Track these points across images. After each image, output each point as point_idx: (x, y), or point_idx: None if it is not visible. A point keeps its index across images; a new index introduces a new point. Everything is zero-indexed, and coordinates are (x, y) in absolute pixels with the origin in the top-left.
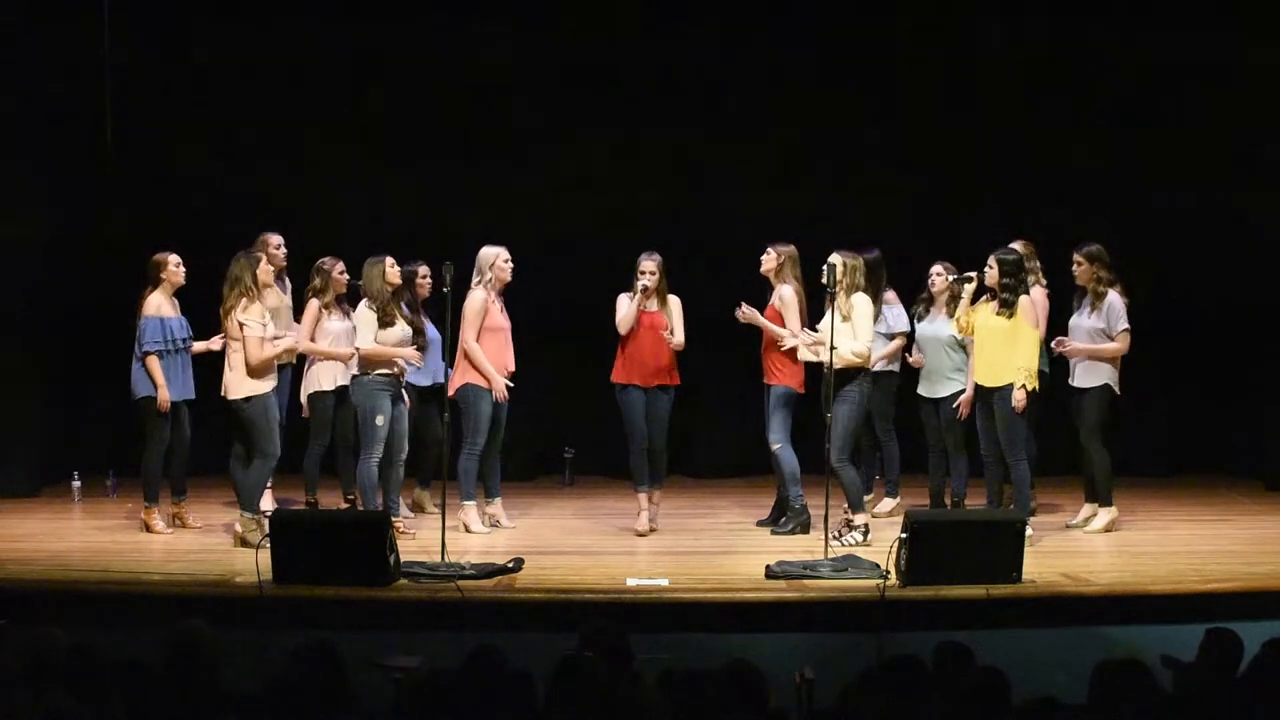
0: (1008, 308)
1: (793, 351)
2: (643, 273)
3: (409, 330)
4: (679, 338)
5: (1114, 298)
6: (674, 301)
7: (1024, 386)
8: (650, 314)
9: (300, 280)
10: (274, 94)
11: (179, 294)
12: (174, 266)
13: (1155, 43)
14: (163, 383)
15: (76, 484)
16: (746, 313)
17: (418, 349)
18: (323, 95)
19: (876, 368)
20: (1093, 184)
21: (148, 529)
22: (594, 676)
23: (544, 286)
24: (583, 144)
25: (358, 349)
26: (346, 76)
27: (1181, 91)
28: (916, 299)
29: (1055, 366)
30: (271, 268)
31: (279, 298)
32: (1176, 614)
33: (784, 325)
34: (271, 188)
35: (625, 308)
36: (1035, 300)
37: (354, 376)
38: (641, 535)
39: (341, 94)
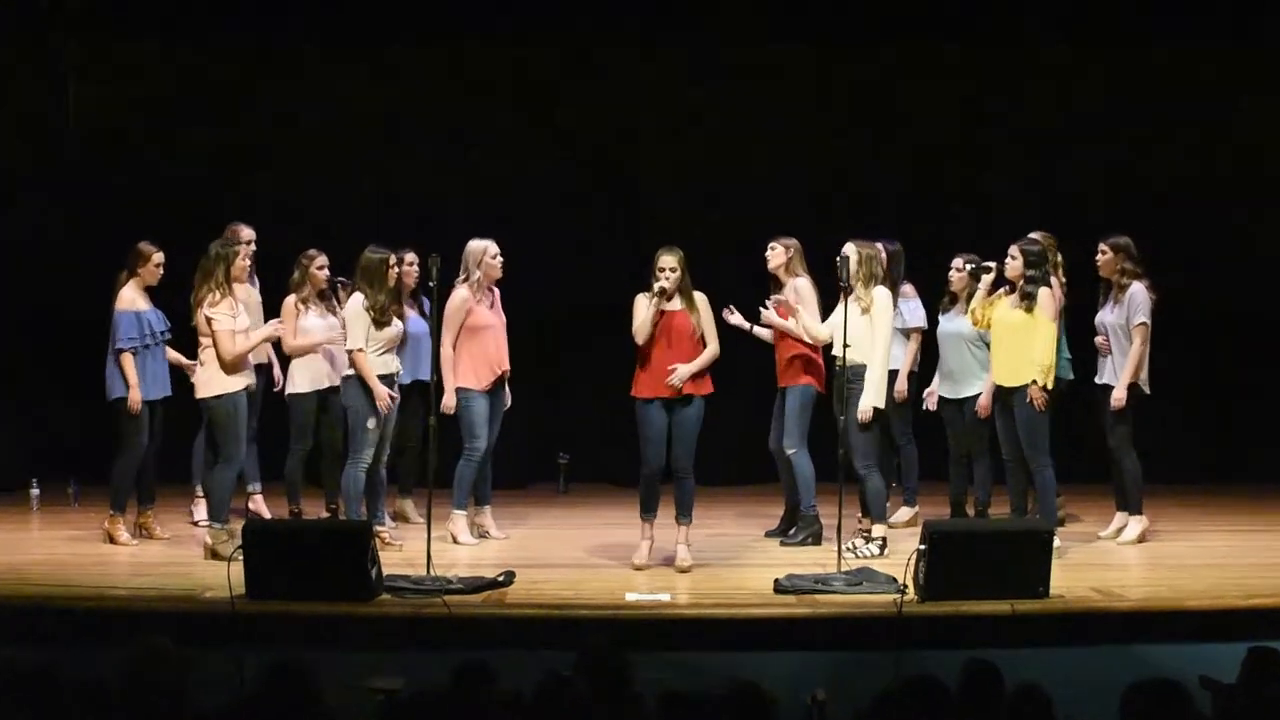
0: (1028, 300)
1: (815, 350)
2: (661, 270)
3: (402, 328)
4: (711, 342)
5: (1137, 289)
6: (701, 300)
7: (1035, 383)
8: (671, 314)
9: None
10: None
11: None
12: (154, 266)
13: None
14: (135, 382)
15: (35, 492)
16: (767, 316)
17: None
18: (317, 87)
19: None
20: (1126, 182)
21: (111, 540)
22: (581, 699)
23: (540, 283)
24: (579, 140)
25: (349, 351)
26: (342, 70)
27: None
28: (944, 293)
29: (1077, 368)
30: (246, 263)
31: (248, 292)
32: (1216, 631)
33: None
34: (250, 183)
35: (642, 313)
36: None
37: (345, 376)
38: (639, 569)
39: (335, 86)
